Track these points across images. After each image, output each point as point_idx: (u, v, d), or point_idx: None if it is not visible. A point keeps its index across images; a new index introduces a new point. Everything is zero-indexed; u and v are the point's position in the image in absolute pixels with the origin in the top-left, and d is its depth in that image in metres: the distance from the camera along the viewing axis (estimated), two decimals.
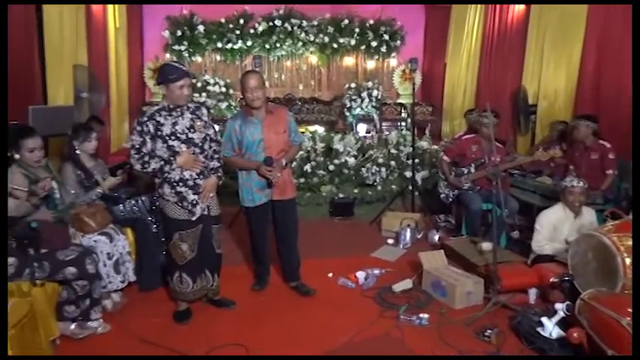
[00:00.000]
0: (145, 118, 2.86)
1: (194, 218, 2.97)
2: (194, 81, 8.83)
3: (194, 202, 2.95)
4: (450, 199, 4.62)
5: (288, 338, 2.92)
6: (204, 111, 3.03)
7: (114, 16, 7.05)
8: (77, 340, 2.82)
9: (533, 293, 3.35)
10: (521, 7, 7.03)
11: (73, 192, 3.30)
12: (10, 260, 2.60)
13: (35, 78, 4.62)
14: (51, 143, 4.28)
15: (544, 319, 2.80)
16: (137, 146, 2.86)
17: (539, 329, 2.79)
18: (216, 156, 3.07)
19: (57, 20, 4.91)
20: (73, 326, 2.83)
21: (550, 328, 2.75)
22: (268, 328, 3.03)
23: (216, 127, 3.24)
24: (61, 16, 4.99)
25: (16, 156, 2.96)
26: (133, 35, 8.27)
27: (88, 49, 5.73)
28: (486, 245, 3.75)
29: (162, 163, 2.86)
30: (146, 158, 2.86)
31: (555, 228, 3.66)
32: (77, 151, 3.46)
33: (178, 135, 2.86)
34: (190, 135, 2.90)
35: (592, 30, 5.54)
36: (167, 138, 2.85)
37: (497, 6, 7.57)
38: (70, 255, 2.75)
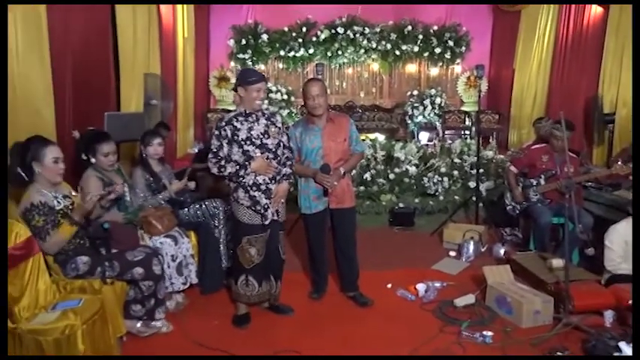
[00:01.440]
0: (224, 123, 2.98)
1: (267, 222, 3.04)
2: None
3: (266, 206, 3.02)
4: (517, 212, 4.44)
5: (345, 348, 2.90)
6: (279, 118, 3.13)
7: (183, 26, 7.38)
8: (142, 338, 2.94)
9: (609, 315, 3.14)
10: (599, 8, 6.68)
11: (142, 195, 3.47)
12: (84, 259, 2.76)
13: (110, 85, 4.91)
14: (122, 148, 4.52)
15: (622, 345, 2.62)
16: (215, 150, 2.99)
17: (616, 354, 2.61)
18: (288, 162, 3.13)
19: (130, 31, 5.20)
20: (139, 324, 2.96)
21: (629, 355, 2.57)
22: (326, 337, 3.03)
23: None
24: (135, 27, 5.28)
25: (92, 160, 3.16)
26: (200, 45, 8.62)
27: (160, 58, 6.05)
28: (557, 262, 3.57)
29: (237, 167, 2.96)
30: (222, 162, 2.97)
31: (627, 243, 3.42)
32: (145, 156, 3.64)
33: (253, 140, 2.96)
34: (265, 140, 2.99)
35: None
36: (242, 143, 2.95)
37: (572, 8, 7.25)
38: (138, 256, 2.88)
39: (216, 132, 2.99)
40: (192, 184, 3.72)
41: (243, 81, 2.97)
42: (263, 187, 3.00)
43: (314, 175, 3.26)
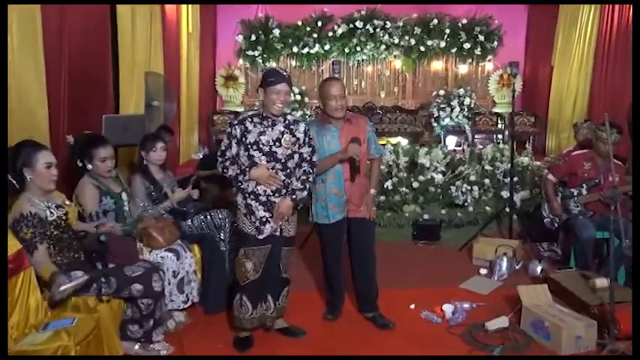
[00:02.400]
0: (236, 122, 3.04)
1: (261, 237, 3.03)
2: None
3: (263, 219, 3.02)
4: (556, 225, 4.39)
5: None
6: (302, 128, 3.10)
7: (187, 20, 7.47)
8: None
9: None
10: None
11: (141, 205, 3.51)
12: (79, 274, 2.79)
13: (108, 85, 4.97)
14: (119, 153, 4.57)
15: None
16: (223, 148, 3.05)
17: None
18: (303, 177, 3.08)
19: (130, 26, 5.27)
20: (136, 347, 2.97)
21: None
22: None
23: None
24: (134, 23, 5.35)
25: (89, 166, 3.21)
26: (206, 41, 8.71)
27: (163, 55, 6.13)
28: (601, 281, 3.52)
29: (238, 171, 2.98)
30: (227, 163, 3.03)
31: None
32: (145, 162, 3.68)
33: (261, 146, 2.97)
34: (274, 149, 2.99)
35: None
36: (249, 146, 2.97)
37: None
38: (137, 271, 2.90)
39: (228, 129, 3.06)
40: (195, 193, 3.74)
41: (263, 82, 3.01)
42: (262, 199, 3.00)
43: (343, 154, 3.19)
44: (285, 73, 3.03)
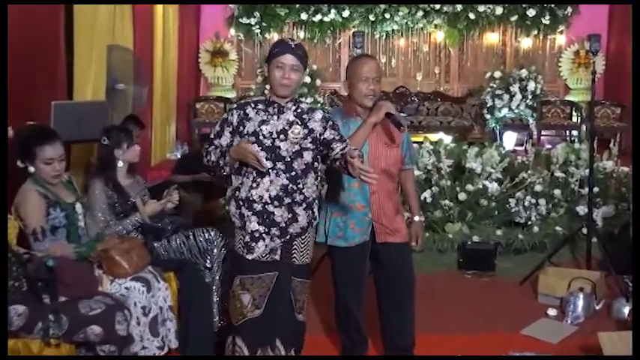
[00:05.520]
0: (235, 106, 3.12)
1: (250, 257, 3.00)
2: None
3: (256, 234, 2.99)
4: None
5: None
6: (318, 116, 3.05)
7: None
8: None
9: None
10: None
11: (102, 219, 3.53)
12: (19, 309, 2.79)
13: (60, 63, 5.01)
14: (73, 151, 4.59)
15: None
16: (212, 136, 3.10)
17: None
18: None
19: None
20: None
21: None
22: None
23: None
24: None
25: (31, 168, 3.22)
26: (188, 6, 8.76)
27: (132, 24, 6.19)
28: None
29: (219, 154, 3.01)
30: (210, 148, 3.06)
31: None
32: (120, 163, 3.70)
33: (261, 138, 2.96)
34: (278, 143, 2.97)
35: None
36: (247, 138, 2.97)
37: None
38: (96, 308, 2.91)
39: (224, 115, 3.14)
40: (174, 198, 3.73)
41: (268, 55, 3.04)
42: (257, 207, 2.97)
43: (377, 116, 3.19)
44: (292, 43, 3.04)
